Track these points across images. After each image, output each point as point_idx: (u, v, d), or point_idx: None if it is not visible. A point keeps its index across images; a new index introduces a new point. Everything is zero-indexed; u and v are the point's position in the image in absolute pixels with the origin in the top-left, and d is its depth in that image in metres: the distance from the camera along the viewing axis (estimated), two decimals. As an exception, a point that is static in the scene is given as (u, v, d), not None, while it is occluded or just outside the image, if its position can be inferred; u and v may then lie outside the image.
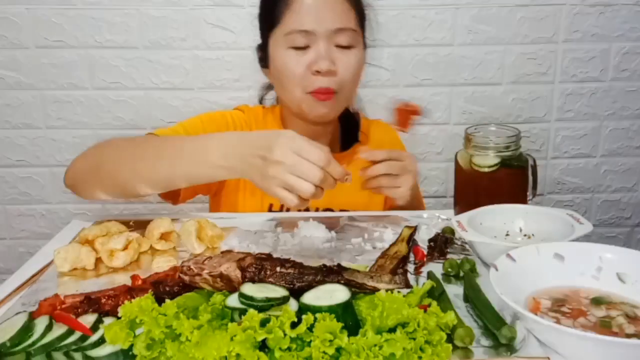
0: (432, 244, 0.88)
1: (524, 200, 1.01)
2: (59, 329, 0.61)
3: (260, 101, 1.26)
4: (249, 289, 0.62)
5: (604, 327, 0.63)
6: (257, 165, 0.77)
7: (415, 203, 1.11)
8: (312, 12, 1.02)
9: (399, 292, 0.61)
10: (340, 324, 0.56)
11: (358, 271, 0.67)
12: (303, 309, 0.60)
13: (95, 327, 0.62)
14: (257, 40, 1.68)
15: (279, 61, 1.05)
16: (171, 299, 0.62)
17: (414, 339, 0.55)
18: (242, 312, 0.59)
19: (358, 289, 0.65)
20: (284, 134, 0.77)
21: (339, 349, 0.55)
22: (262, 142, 0.78)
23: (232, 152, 0.81)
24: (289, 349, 0.55)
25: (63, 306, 0.64)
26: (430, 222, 1.00)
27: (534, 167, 1.01)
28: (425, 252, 0.85)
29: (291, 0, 1.03)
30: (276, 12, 1.05)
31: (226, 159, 0.82)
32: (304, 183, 0.74)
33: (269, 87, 1.24)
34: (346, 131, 1.22)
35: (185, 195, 1.04)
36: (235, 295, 0.62)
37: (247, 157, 0.79)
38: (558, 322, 0.63)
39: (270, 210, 1.12)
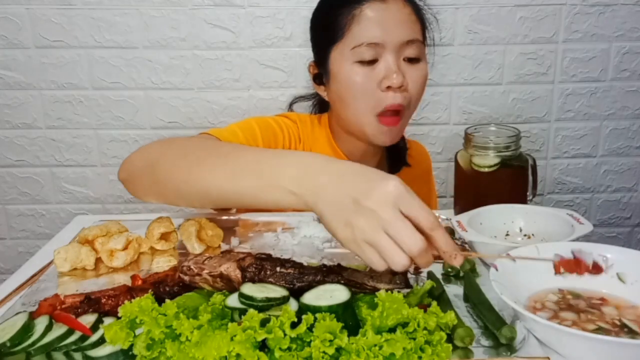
0: (432, 244, 0.87)
1: (524, 200, 1.01)
2: (59, 329, 0.61)
3: (289, 110, 1.23)
4: (249, 289, 0.62)
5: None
6: (343, 206, 0.60)
7: None
8: (381, 23, 0.98)
9: (399, 292, 0.61)
10: (340, 324, 0.56)
11: (358, 271, 0.67)
12: (303, 309, 0.60)
13: (95, 327, 0.62)
14: (258, 40, 1.69)
15: (344, 77, 1.01)
16: (171, 299, 0.62)
17: (414, 339, 0.55)
18: (242, 312, 0.59)
19: (358, 289, 0.65)
20: (391, 180, 0.60)
21: (339, 349, 0.55)
22: (359, 180, 0.61)
23: (310, 179, 0.64)
24: (289, 349, 0.55)
25: (63, 306, 0.65)
26: (430, 222, 0.99)
27: (534, 167, 1.01)
28: (425, 252, 0.85)
29: (357, 13, 0.99)
30: (339, 26, 1.01)
31: (300, 186, 0.65)
32: (398, 252, 0.58)
33: (302, 98, 1.21)
34: (393, 152, 1.20)
35: None
36: (235, 295, 0.62)
37: (332, 193, 0.62)
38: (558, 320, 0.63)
39: None
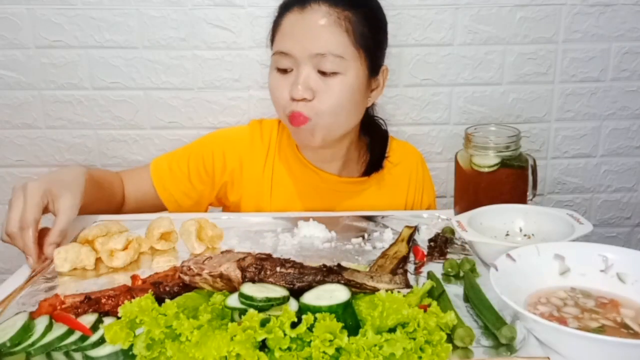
0: (432, 244, 0.88)
1: (524, 200, 1.01)
2: (59, 329, 0.61)
3: None
4: (249, 289, 0.62)
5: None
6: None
7: None
8: (294, 34, 1.00)
9: (399, 292, 0.61)
10: (340, 324, 0.56)
11: (358, 271, 0.67)
12: (303, 309, 0.60)
13: (95, 327, 0.62)
14: (258, 40, 1.69)
15: (269, 81, 1.06)
16: (171, 299, 0.62)
17: (414, 339, 0.55)
18: (242, 312, 0.59)
19: (358, 289, 0.65)
20: (33, 181, 0.89)
21: (339, 349, 0.55)
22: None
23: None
24: (289, 349, 0.55)
25: (63, 306, 0.64)
26: (430, 222, 1.00)
27: (534, 167, 1.01)
28: (425, 252, 0.85)
29: (280, 21, 1.04)
30: (272, 31, 1.07)
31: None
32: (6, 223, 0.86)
33: None
34: (374, 156, 1.18)
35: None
36: (235, 295, 0.62)
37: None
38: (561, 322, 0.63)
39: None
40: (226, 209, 1.21)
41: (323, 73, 0.99)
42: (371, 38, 1.03)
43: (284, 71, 1.02)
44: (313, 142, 1.04)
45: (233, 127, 1.22)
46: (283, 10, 1.04)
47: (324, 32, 0.98)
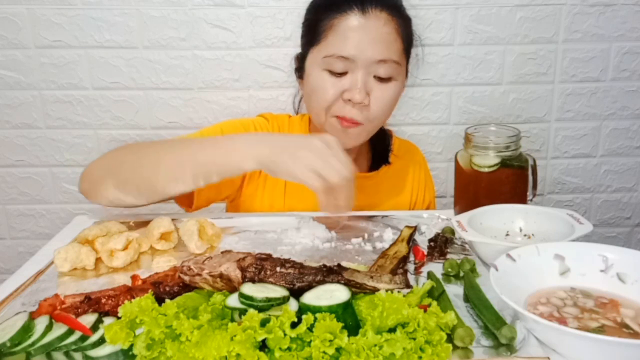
0: (432, 244, 0.88)
1: (524, 200, 1.01)
2: (59, 329, 0.61)
3: (297, 111, 1.24)
4: (249, 289, 0.62)
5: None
6: (290, 147, 0.81)
7: None
8: (356, 38, 0.98)
9: (399, 292, 0.61)
10: (340, 324, 0.56)
11: (358, 271, 0.67)
12: (303, 309, 0.60)
13: (95, 327, 0.62)
14: (258, 40, 1.69)
15: (313, 80, 1.03)
16: (171, 299, 0.62)
17: (414, 339, 0.55)
18: (242, 312, 0.59)
19: (358, 289, 0.65)
20: (326, 135, 0.83)
21: (339, 349, 0.55)
22: (301, 137, 0.84)
23: (263, 141, 0.85)
24: (289, 349, 0.55)
25: (63, 306, 0.65)
26: (430, 222, 1.00)
27: (534, 167, 1.01)
28: (425, 252, 0.85)
29: (336, 22, 0.99)
30: (319, 30, 1.02)
31: (254, 147, 0.84)
32: (332, 169, 0.78)
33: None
34: (377, 151, 1.21)
35: (199, 201, 1.03)
36: (235, 295, 0.62)
37: (281, 142, 0.83)
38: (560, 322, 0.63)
39: None
40: (236, 201, 1.18)
41: (378, 78, 1.00)
42: (412, 42, 1.07)
43: (336, 74, 1.00)
44: (357, 142, 1.06)
45: (249, 118, 1.18)
46: (333, 10, 1.00)
47: (387, 40, 0.99)
